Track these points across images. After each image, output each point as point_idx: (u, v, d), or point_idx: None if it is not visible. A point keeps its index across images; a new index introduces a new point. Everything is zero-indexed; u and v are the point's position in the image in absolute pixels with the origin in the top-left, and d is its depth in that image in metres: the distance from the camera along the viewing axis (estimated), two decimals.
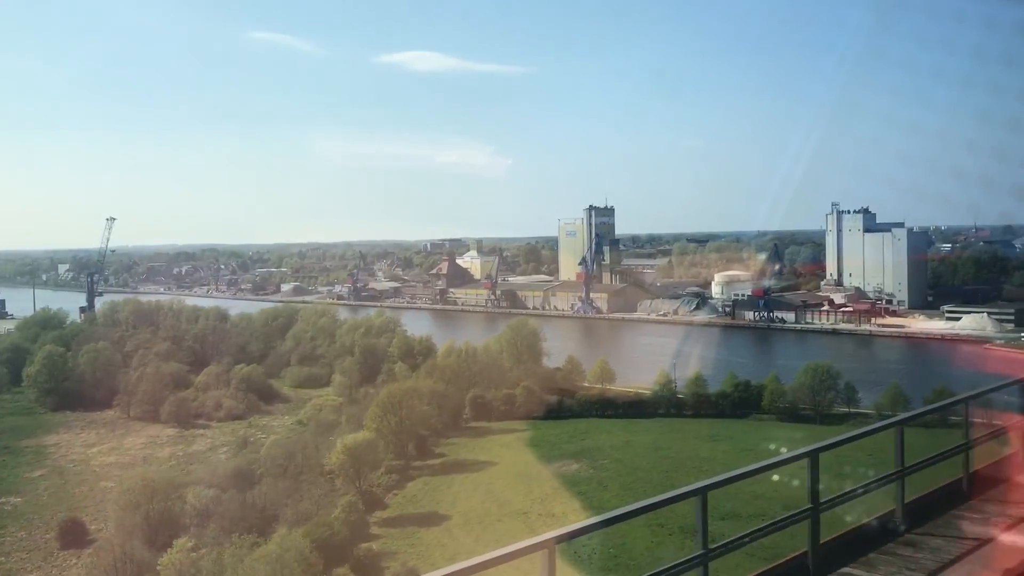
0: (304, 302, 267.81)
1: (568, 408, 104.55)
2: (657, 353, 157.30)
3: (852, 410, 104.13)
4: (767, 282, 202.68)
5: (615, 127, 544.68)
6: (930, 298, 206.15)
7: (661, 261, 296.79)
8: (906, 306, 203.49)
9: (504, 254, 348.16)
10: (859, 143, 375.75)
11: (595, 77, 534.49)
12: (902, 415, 12.87)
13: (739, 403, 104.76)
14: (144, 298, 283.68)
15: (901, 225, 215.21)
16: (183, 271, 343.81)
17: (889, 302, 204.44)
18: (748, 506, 60.92)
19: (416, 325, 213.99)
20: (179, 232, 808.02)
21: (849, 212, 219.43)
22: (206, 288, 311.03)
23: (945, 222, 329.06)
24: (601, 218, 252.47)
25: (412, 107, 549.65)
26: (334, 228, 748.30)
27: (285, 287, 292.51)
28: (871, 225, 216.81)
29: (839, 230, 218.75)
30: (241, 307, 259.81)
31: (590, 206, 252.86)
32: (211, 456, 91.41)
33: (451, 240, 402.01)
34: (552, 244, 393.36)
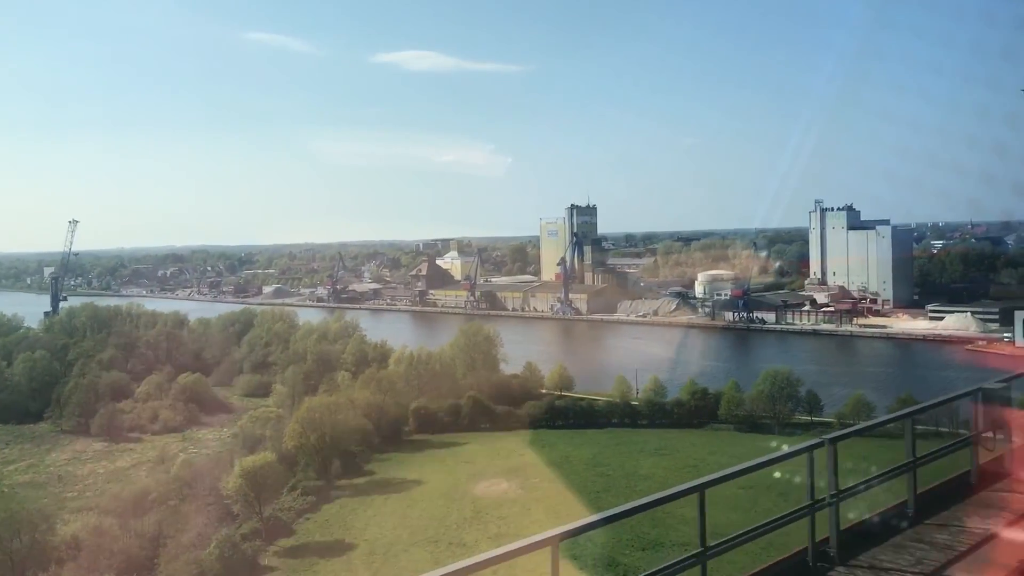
0: (285, 304, 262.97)
1: (517, 418, 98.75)
2: (627, 357, 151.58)
3: (815, 419, 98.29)
4: (748, 282, 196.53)
5: (613, 125, 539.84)
6: (916, 296, 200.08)
7: (647, 260, 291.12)
8: (891, 305, 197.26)
9: (495, 254, 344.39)
10: (858, 139, 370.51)
11: (593, 75, 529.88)
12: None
13: (695, 412, 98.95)
14: (123, 301, 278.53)
15: (886, 222, 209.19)
16: (168, 273, 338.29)
17: (874, 301, 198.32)
18: (674, 532, 55.53)
19: (388, 329, 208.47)
20: (178, 233, 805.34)
21: (833, 209, 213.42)
22: (189, 291, 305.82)
23: (944, 218, 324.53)
24: (583, 217, 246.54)
25: (409, 106, 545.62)
26: (331, 228, 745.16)
27: (267, 289, 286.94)
28: (855, 222, 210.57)
29: (822, 228, 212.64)
30: (220, 310, 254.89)
31: (571, 205, 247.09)
32: (132, 473, 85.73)
33: (442, 240, 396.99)
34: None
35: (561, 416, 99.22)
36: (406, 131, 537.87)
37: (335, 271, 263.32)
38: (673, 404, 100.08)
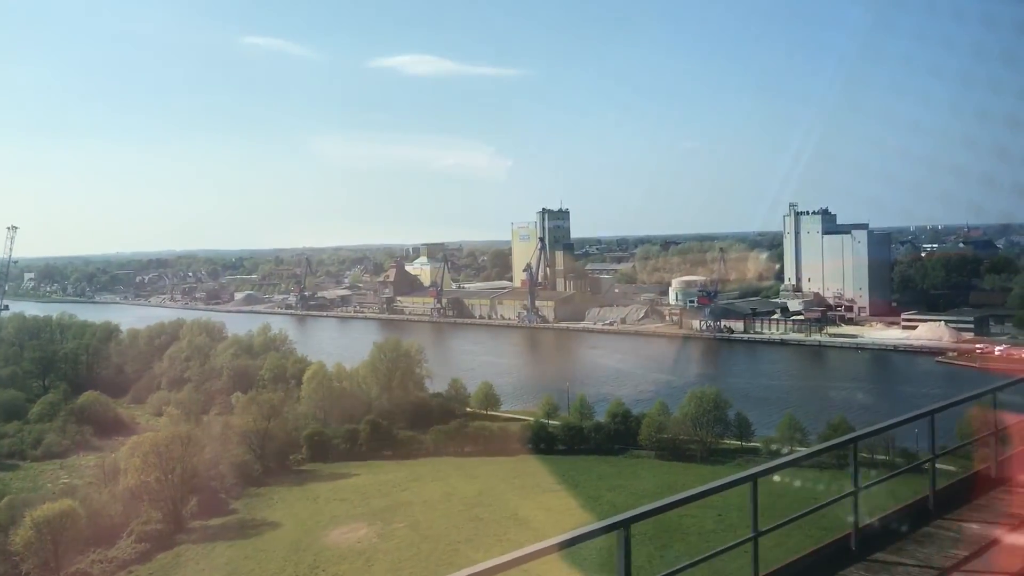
0: (253, 312, 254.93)
1: (421, 445, 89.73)
2: (576, 370, 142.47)
3: (745, 444, 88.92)
4: (715, 289, 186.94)
5: (612, 129, 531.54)
6: (894, 303, 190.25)
7: (626, 265, 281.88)
8: (867, 312, 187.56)
9: (481, 259, 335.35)
10: (859, 142, 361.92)
11: (592, 79, 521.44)
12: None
13: (615, 437, 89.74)
14: (95, 308, 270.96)
15: (865, 227, 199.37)
16: (147, 279, 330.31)
17: (849, 308, 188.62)
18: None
19: (343, 339, 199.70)
20: (177, 238, 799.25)
21: (808, 213, 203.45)
22: (163, 297, 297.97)
23: (944, 221, 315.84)
24: (555, 221, 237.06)
25: (408, 111, 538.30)
26: (330, 233, 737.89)
27: (239, 296, 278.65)
28: (831, 227, 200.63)
29: (797, 232, 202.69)
30: (187, 316, 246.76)
31: (543, 209, 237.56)
32: None
33: (434, 244, 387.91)
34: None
35: (470, 441, 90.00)
36: (405, 135, 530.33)
37: (302, 277, 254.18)
38: (592, 428, 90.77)
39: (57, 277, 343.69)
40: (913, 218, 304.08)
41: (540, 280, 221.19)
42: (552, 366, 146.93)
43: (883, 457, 78.29)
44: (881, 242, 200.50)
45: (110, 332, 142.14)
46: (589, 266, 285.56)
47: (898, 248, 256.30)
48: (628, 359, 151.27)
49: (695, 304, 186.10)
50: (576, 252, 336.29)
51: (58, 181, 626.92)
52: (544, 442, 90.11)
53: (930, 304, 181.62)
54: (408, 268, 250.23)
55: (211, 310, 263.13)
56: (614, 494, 69.82)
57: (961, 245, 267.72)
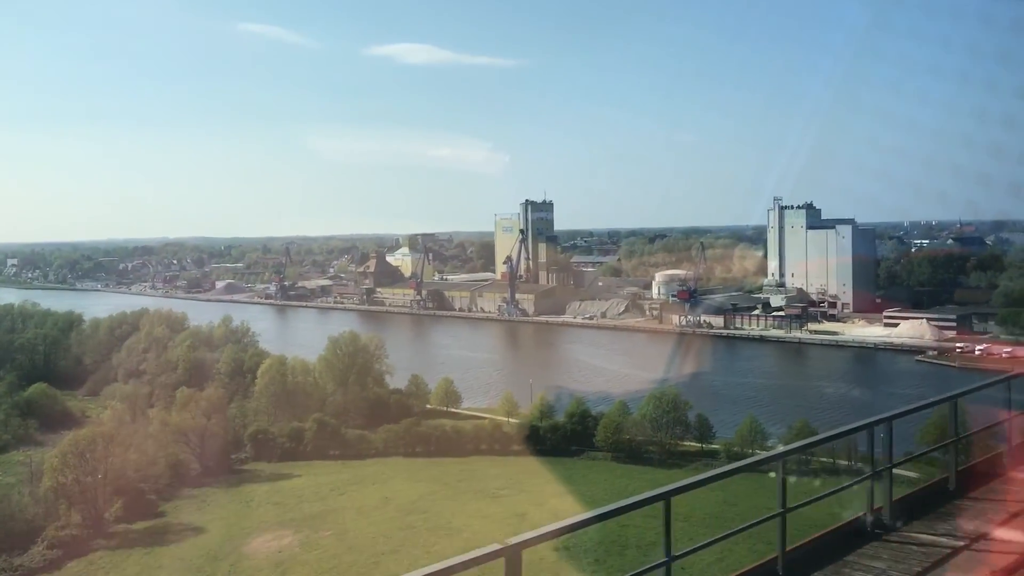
0: (233, 301, 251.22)
1: (370, 444, 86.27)
2: (546, 366, 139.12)
3: (705, 446, 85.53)
4: (695, 283, 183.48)
5: (609, 121, 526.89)
6: (879, 300, 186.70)
7: (612, 259, 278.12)
8: (851, 309, 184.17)
9: (469, 250, 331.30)
10: (855, 139, 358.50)
11: (590, 71, 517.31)
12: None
13: (572, 438, 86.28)
14: (74, 295, 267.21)
15: (850, 222, 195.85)
16: (130, 267, 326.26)
17: (833, 304, 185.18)
18: None
19: (317, 331, 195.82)
20: (169, 225, 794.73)
21: (792, 207, 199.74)
22: (145, 285, 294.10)
23: (938, 217, 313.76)
24: (538, 213, 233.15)
25: (404, 100, 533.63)
26: (320, 221, 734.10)
27: (220, 284, 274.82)
28: (815, 222, 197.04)
29: (781, 227, 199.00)
30: (168, 306, 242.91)
31: (526, 200, 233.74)
32: None
33: (425, 235, 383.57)
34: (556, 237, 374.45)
35: (421, 441, 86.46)
36: (400, 125, 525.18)
37: (282, 266, 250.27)
38: (548, 429, 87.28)
39: (40, 263, 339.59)
40: (908, 215, 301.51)
41: (522, 273, 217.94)
42: (525, 361, 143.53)
43: (845, 462, 75.36)
44: (866, 238, 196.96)
45: (72, 322, 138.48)
46: (576, 259, 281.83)
47: (888, 244, 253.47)
48: (602, 355, 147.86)
49: (673, 299, 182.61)
50: (565, 244, 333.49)
51: (49, 167, 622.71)
52: (498, 443, 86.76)
53: (915, 301, 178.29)
54: (389, 259, 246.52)
55: (191, 299, 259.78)
56: (559, 501, 66.31)
57: (950, 242, 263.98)
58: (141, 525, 65.88)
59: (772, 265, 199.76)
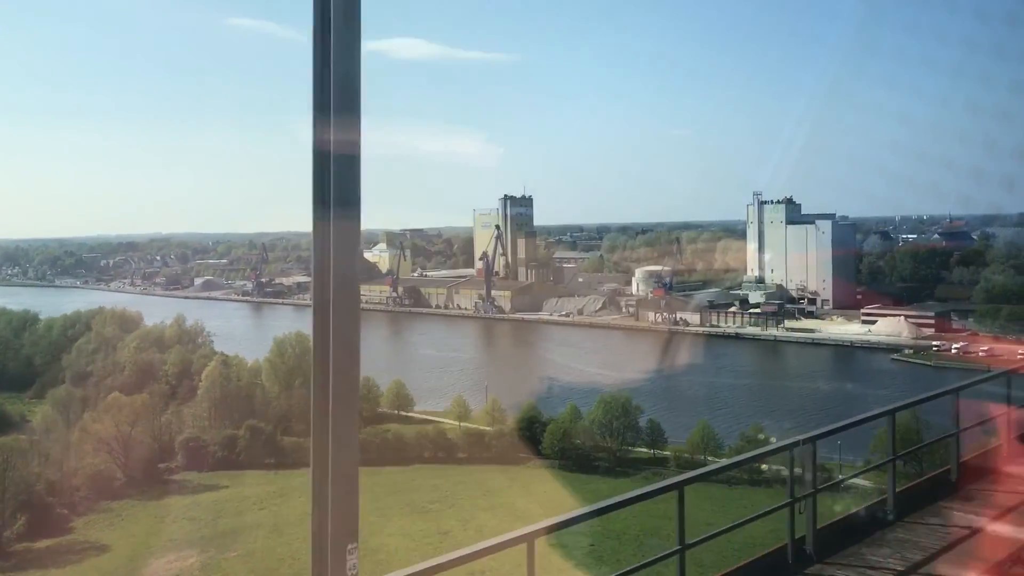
0: (210, 298, 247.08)
1: (307, 453, 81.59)
2: (510, 366, 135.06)
3: (657, 453, 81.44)
4: (671, 280, 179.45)
5: (600, 115, 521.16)
6: (859, 296, 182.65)
7: (595, 254, 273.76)
8: (831, 305, 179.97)
9: (455, 246, 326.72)
10: (849, 132, 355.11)
11: (581, 65, 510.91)
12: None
13: (519, 444, 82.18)
14: (52, 292, 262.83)
15: (831, 216, 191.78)
16: (111, 263, 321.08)
17: (813, 301, 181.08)
18: None
19: (285, 329, 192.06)
20: (161, 221, 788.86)
21: (771, 202, 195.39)
22: (124, 282, 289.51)
23: (930, 211, 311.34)
24: (518, 208, 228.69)
25: (395, 94, 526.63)
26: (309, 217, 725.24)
27: (198, 281, 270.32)
28: (795, 217, 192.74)
29: (760, 222, 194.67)
30: (144, 303, 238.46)
31: (505, 195, 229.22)
32: None
33: (413, 230, 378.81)
34: (544, 232, 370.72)
35: (361, 449, 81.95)
36: (392, 119, 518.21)
37: (258, 263, 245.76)
38: (494, 435, 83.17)
39: (22, 260, 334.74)
40: (900, 208, 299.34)
41: (501, 269, 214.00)
42: (490, 361, 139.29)
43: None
44: (846, 232, 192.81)
45: (26, 322, 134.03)
46: (559, 254, 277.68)
47: (871, 239, 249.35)
48: (571, 354, 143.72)
49: (650, 296, 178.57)
50: (552, 240, 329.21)
51: (39, 162, 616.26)
52: (443, 450, 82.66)
53: (896, 297, 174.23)
54: (366, 255, 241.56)
55: (168, 296, 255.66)
56: (489, 515, 62.36)
57: (936, 236, 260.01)
58: (44, 543, 61.76)
59: (752, 261, 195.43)
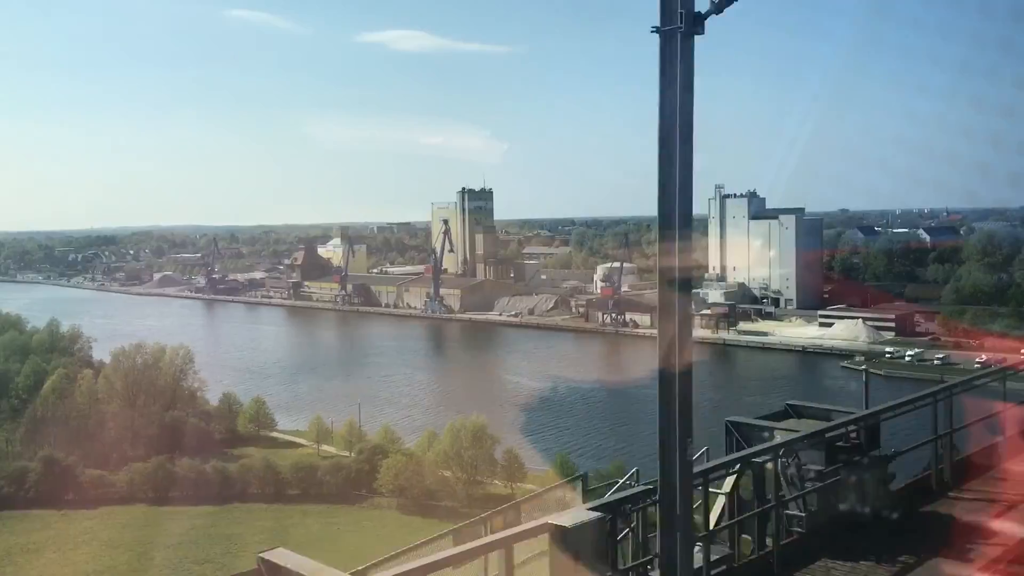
0: (163, 295, 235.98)
1: (113, 488, 69.99)
2: (410, 379, 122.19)
3: (515, 488, 68.73)
4: (619, 278, 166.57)
5: (599, 107, 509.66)
6: (826, 295, 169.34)
7: (564, 249, 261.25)
8: (794, 305, 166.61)
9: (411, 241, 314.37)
10: (853, 128, 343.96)
11: (584, 56, 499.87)
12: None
13: (357, 480, 69.92)
14: (11, 287, 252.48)
15: (799, 211, 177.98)
16: (79, 258, 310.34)
17: (776, 301, 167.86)
18: None
19: (219, 330, 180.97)
20: (162, 213, 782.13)
21: (734, 195, 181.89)
22: (85, 277, 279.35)
23: (932, 206, 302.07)
24: (476, 202, 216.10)
25: (395, 87, 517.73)
26: (309, 209, 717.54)
27: (156, 276, 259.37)
28: (759, 211, 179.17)
29: (722, 216, 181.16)
30: (89, 299, 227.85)
31: (463, 188, 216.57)
32: None
33: (401, 224, 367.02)
34: (538, 225, 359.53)
35: (176, 484, 70.17)
36: (390, 112, 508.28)
37: (210, 259, 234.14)
38: (328, 470, 70.86)
39: None
40: (903, 203, 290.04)
41: (459, 266, 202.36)
42: (398, 371, 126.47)
43: None
44: (812, 228, 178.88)
45: None
46: (529, 249, 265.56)
47: (850, 235, 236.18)
48: (491, 361, 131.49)
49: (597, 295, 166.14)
50: (529, 234, 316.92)
51: (35, 155, 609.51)
52: (271, 485, 70.49)
53: (865, 298, 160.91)
54: (321, 250, 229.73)
55: (123, 292, 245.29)
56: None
57: (920, 232, 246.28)
58: None
59: (712, 258, 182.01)
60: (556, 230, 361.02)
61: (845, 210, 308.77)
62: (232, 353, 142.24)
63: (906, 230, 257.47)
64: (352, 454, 75.22)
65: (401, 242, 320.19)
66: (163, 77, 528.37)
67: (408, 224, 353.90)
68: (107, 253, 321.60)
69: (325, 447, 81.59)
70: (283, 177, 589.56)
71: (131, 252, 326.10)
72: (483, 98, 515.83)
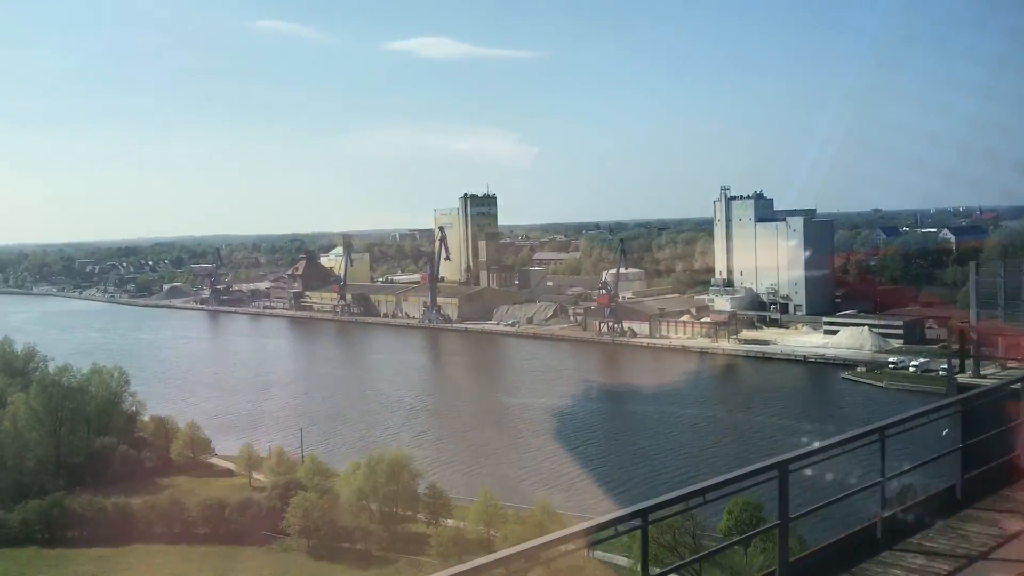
0: (170, 306, 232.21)
1: (6, 530, 63.51)
2: (403, 390, 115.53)
3: (439, 525, 61.17)
4: (615, 285, 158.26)
5: (629, 111, 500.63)
6: (838, 300, 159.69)
7: (573, 255, 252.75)
8: (804, 311, 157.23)
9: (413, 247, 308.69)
10: (888, 127, 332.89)
11: (611, 61, 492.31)
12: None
13: (265, 517, 62.87)
14: (27, 299, 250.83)
15: (810, 213, 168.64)
16: (96, 269, 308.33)
17: (784, 307, 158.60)
18: None
19: (215, 343, 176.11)
20: (191, 225, 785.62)
21: (740, 198, 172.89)
22: (98, 289, 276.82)
23: (967, 203, 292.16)
24: (479, 208, 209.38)
25: (422, 94, 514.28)
26: (340, 218, 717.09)
27: (166, 287, 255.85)
28: (766, 213, 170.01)
29: (728, 219, 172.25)
30: (95, 311, 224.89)
31: (464, 194, 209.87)
32: None
33: (422, 231, 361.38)
34: (563, 229, 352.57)
35: (75, 523, 63.52)
36: (420, 119, 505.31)
37: (214, 269, 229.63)
38: (237, 507, 63.86)
39: (13, 266, 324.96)
40: (938, 202, 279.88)
41: (463, 274, 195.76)
42: (384, 384, 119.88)
43: None
44: (823, 230, 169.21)
45: None
46: (539, 255, 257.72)
47: (879, 235, 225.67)
48: (474, 376, 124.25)
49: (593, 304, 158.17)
50: (544, 240, 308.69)
51: (65, 167, 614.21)
52: (178, 524, 63.62)
53: (878, 303, 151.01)
54: (323, 260, 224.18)
55: (131, 304, 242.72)
56: None
57: (945, 231, 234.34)
58: None
59: (720, 263, 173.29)
60: (579, 234, 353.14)
61: (878, 210, 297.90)
62: (214, 367, 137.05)
63: (934, 230, 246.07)
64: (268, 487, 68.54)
65: (417, 249, 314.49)
66: (191, 89, 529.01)
67: (429, 231, 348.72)
68: (124, 264, 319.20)
69: (257, 476, 75.00)
70: (315, 185, 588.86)
71: (149, 263, 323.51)
72: (511, 103, 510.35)
